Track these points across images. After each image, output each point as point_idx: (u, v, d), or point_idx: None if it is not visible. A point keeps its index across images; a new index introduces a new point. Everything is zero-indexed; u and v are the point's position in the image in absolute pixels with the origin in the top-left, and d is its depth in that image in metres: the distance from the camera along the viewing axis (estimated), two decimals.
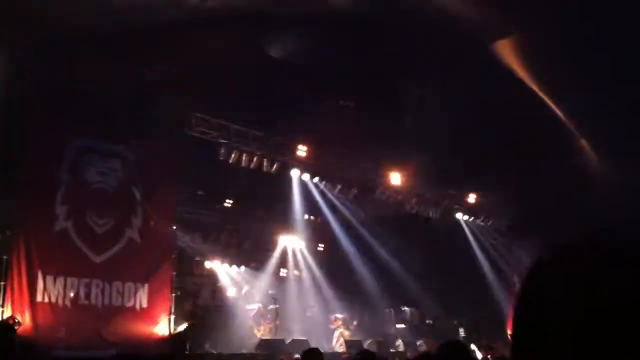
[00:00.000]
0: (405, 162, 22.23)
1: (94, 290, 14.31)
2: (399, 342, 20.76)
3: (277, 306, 19.58)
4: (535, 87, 21.09)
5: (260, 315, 19.38)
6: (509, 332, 24.10)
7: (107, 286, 14.58)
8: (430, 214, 24.27)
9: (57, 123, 14.57)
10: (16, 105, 13.47)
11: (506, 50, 18.87)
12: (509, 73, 19.23)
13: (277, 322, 19.40)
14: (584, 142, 24.75)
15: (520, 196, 24.49)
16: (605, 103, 19.21)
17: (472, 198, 24.88)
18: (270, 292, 20.74)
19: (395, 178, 22.23)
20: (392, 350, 19.40)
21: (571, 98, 20.57)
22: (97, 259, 14.58)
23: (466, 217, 25.35)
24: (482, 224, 25.87)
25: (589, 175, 23.61)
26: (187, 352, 14.90)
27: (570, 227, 23.37)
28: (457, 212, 25.04)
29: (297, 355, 13.07)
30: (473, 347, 20.64)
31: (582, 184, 22.86)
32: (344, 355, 13.52)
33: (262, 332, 19.04)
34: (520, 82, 19.64)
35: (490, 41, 18.44)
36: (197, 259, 20.88)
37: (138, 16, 13.94)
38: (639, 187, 19.84)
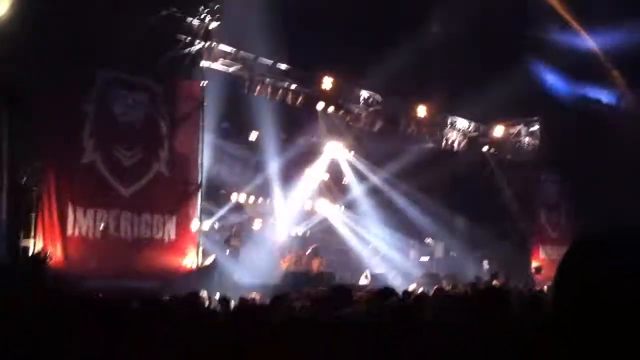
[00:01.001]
0: (430, 95, 21.99)
1: (123, 222, 14.52)
2: (422, 274, 20.95)
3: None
4: (563, 15, 20.61)
5: (285, 246, 19.65)
6: (533, 264, 24.26)
7: (135, 218, 14.78)
8: (456, 147, 24.11)
9: (80, 56, 14.52)
10: (40, 37, 13.43)
11: None
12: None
13: (307, 254, 19.71)
14: (614, 73, 24.27)
15: (546, 129, 24.23)
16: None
17: (498, 131, 24.63)
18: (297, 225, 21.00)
19: (421, 111, 22.03)
20: (414, 283, 19.61)
21: (604, 29, 20.10)
22: (126, 192, 14.76)
23: (492, 150, 25.11)
24: (508, 156, 25.66)
25: (617, 107, 23.23)
26: (215, 284, 15.16)
27: (597, 163, 23.17)
28: (482, 145, 24.82)
29: (321, 288, 13.25)
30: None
31: (609, 118, 22.52)
32: (367, 289, 13.68)
33: (287, 263, 19.31)
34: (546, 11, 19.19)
35: None
36: (222, 191, 21.07)
37: None
38: None
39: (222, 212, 20.50)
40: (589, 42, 22.73)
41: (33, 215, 13.34)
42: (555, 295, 1.19)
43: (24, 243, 13.13)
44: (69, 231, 13.62)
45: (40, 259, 12.50)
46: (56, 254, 13.12)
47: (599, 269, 1.11)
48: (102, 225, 14.11)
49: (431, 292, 13.05)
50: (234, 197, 21.40)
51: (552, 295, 1.20)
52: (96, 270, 13.49)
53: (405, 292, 12.93)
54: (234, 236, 18.34)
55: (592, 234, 1.21)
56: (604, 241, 1.18)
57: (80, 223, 13.78)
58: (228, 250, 17.92)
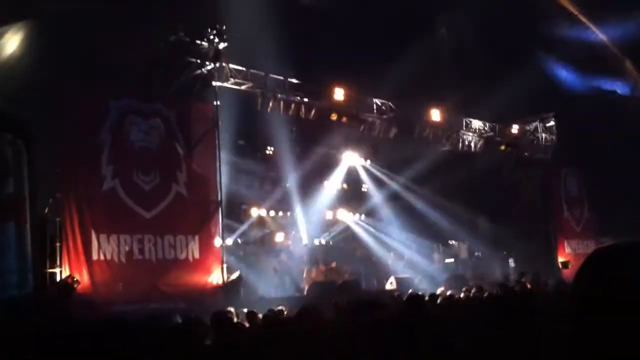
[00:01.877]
0: (443, 98, 22.01)
1: (147, 245, 14.67)
2: (448, 276, 20.87)
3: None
4: (575, 10, 20.58)
5: (312, 258, 19.68)
6: (560, 260, 24.09)
7: (159, 240, 14.93)
8: (473, 148, 24.07)
9: (94, 87, 14.82)
10: (52, 74, 13.70)
11: None
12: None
13: (332, 265, 19.74)
14: (628, 64, 24.15)
15: (562, 124, 24.13)
16: None
17: (514, 129, 24.55)
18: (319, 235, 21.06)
19: (435, 115, 22.04)
20: (441, 286, 19.54)
21: (614, 20, 20.04)
22: (147, 215, 14.92)
23: (510, 149, 25.02)
24: (526, 153, 25.56)
25: (633, 98, 23.09)
26: (241, 299, 15.23)
27: (616, 154, 23.02)
28: (500, 144, 24.74)
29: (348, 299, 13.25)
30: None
31: (626, 109, 22.38)
32: (395, 294, 13.68)
33: (314, 275, 19.34)
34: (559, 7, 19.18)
35: None
36: (243, 207, 21.19)
37: None
38: None
39: (244, 227, 20.60)
40: (599, 34, 22.66)
41: (58, 245, 13.53)
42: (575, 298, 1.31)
43: (50, 272, 13.30)
44: (94, 257, 13.79)
45: (67, 285, 12.67)
46: (83, 280, 13.30)
47: (618, 277, 1.23)
48: (127, 249, 14.25)
49: (459, 295, 13.05)
50: (255, 212, 21.50)
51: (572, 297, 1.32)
52: (123, 294, 13.64)
53: (433, 295, 12.94)
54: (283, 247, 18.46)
55: (612, 246, 1.33)
56: (622, 253, 1.30)
57: (105, 249, 13.95)
58: (277, 265, 18.04)
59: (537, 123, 25.50)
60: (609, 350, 1.20)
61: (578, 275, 1.33)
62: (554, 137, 25.72)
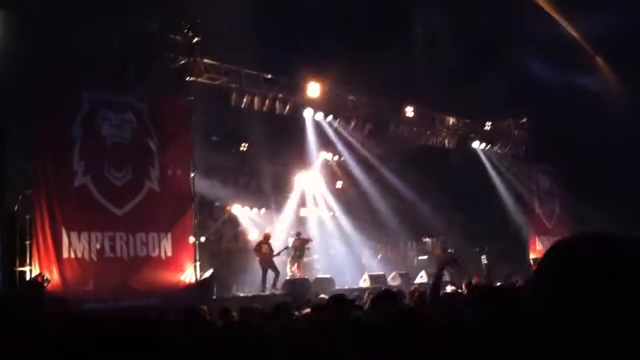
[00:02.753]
0: (418, 95, 22.06)
1: (118, 243, 14.49)
2: (422, 273, 20.94)
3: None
4: (548, 7, 20.73)
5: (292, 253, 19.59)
6: (531, 256, 24.30)
7: (131, 238, 14.76)
8: (446, 145, 24.17)
9: (66, 79, 14.56)
10: (23, 66, 13.46)
11: None
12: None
13: (305, 261, 19.68)
14: (599, 61, 24.39)
15: (535, 121, 24.33)
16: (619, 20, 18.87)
17: (488, 126, 24.71)
18: (291, 232, 20.94)
19: (409, 111, 22.09)
20: (415, 282, 19.60)
21: (585, 16, 20.22)
22: (119, 212, 14.73)
23: (482, 145, 25.18)
24: (499, 151, 25.75)
25: (604, 95, 23.35)
26: (214, 297, 15.13)
27: (587, 150, 23.27)
28: (473, 140, 24.88)
29: (322, 295, 13.23)
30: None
31: (597, 105, 22.61)
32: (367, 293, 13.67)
33: (295, 269, 19.27)
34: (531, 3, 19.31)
35: None
36: (217, 204, 21.06)
37: None
38: None
39: (217, 224, 20.47)
40: (571, 30, 22.85)
41: (27, 242, 13.30)
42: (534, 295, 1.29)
43: (20, 270, 13.07)
44: (65, 255, 13.57)
45: (37, 283, 12.47)
46: (53, 278, 13.07)
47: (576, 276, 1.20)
48: (98, 246, 14.06)
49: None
50: (229, 209, 21.37)
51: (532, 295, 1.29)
52: (94, 292, 13.47)
53: (402, 292, 12.95)
54: (264, 242, 18.12)
55: (569, 240, 1.29)
56: (583, 249, 1.26)
57: (75, 246, 13.74)
58: (258, 259, 17.76)
59: (510, 120, 25.70)
60: (571, 341, 1.18)
61: (539, 265, 1.30)
62: (526, 134, 25.93)
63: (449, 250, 24.60)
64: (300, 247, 19.47)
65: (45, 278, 12.74)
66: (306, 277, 18.29)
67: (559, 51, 22.69)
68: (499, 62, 21.40)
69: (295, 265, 19.23)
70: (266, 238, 18.17)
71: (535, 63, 22.11)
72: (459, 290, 11.78)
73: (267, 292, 16.90)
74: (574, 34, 22.30)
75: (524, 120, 25.86)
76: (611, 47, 22.14)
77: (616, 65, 23.83)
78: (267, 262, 17.61)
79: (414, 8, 21.62)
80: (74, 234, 13.78)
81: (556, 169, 26.77)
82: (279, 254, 18.04)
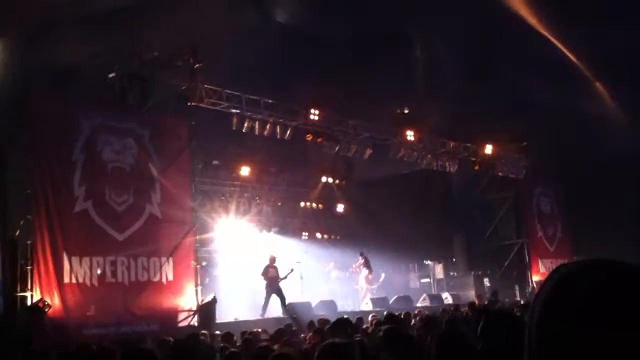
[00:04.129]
0: (418, 119, 22.16)
1: (119, 268, 14.45)
2: (424, 296, 20.88)
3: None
4: (546, 33, 20.87)
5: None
6: (534, 278, 24.22)
7: (132, 262, 14.72)
8: (447, 168, 24.20)
9: (66, 105, 14.62)
10: (23, 91, 13.55)
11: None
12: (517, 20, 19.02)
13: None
14: (599, 83, 24.49)
15: (535, 144, 24.39)
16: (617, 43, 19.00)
17: (488, 149, 24.75)
18: (293, 256, 20.88)
19: (410, 135, 22.16)
20: (418, 305, 19.54)
21: (583, 39, 20.35)
22: (120, 237, 14.70)
23: (484, 169, 25.19)
24: (500, 173, 25.77)
25: (603, 118, 23.43)
26: (216, 322, 15.06)
27: (588, 173, 23.30)
28: (473, 164, 24.91)
29: (325, 318, 13.17)
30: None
31: (598, 128, 22.68)
32: (370, 316, 13.58)
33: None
34: (529, 29, 19.45)
35: None
36: (219, 228, 21.02)
37: None
38: None
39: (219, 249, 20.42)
40: (570, 53, 22.98)
41: (29, 267, 13.26)
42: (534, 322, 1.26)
43: (21, 295, 13.03)
44: (66, 280, 13.51)
45: (38, 309, 12.42)
46: (54, 303, 13.01)
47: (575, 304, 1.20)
48: (99, 271, 14.02)
49: (436, 314, 13.02)
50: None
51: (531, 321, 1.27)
52: (95, 317, 13.41)
53: (408, 314, 12.92)
54: (270, 266, 18.00)
55: (570, 268, 1.28)
56: (582, 275, 1.25)
57: (76, 271, 13.69)
58: (265, 283, 17.63)
59: (509, 143, 25.75)
60: None
61: (539, 292, 1.29)
62: (527, 157, 25.98)
63: (452, 274, 24.57)
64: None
65: (46, 303, 12.69)
66: (308, 300, 18.21)
67: (558, 74, 22.83)
68: (500, 85, 21.52)
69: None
70: (272, 261, 18.09)
71: (535, 86, 22.21)
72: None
73: (267, 316, 16.78)
74: (573, 56, 22.43)
75: (524, 143, 25.93)
76: (610, 69, 22.26)
77: (615, 87, 23.94)
78: (274, 286, 17.51)
79: (414, 33, 21.79)
80: (75, 259, 13.73)
81: (557, 192, 26.80)
82: (285, 277, 17.94)
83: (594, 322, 1.16)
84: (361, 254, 21.13)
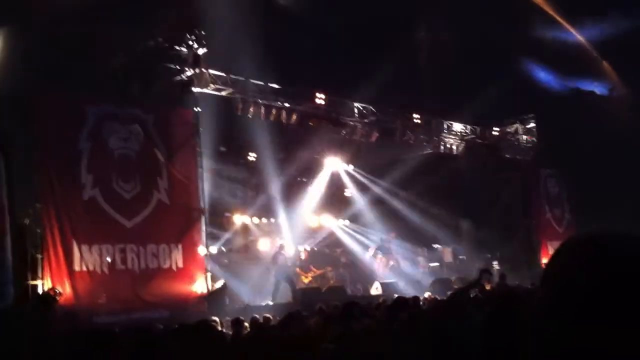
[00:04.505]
0: (423, 102, 22.06)
1: (129, 255, 14.48)
2: (432, 280, 20.86)
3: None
4: (554, 13, 20.73)
5: (306, 262, 19.54)
6: (543, 261, 24.18)
7: (141, 249, 14.75)
8: (454, 151, 24.11)
9: (70, 94, 14.63)
10: (27, 81, 13.55)
11: None
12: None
13: (318, 271, 19.64)
14: (605, 65, 24.34)
15: (542, 125, 24.28)
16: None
17: (495, 131, 24.65)
18: (301, 242, 20.93)
19: (416, 118, 22.09)
20: (427, 291, 19.53)
21: (590, 22, 20.20)
22: (129, 224, 14.73)
23: (491, 151, 25.09)
24: (507, 155, 25.67)
25: (611, 99, 23.30)
26: (226, 307, 15.11)
27: (595, 155, 23.20)
28: (480, 146, 24.81)
29: (335, 304, 13.18)
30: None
31: (604, 109, 22.57)
32: (379, 300, 13.57)
33: (309, 279, 19.24)
34: (537, 9, 19.31)
35: None
36: (226, 214, 21.04)
37: None
38: None
39: (227, 235, 20.45)
40: (577, 35, 22.83)
41: (39, 256, 13.32)
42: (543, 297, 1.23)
43: (32, 284, 13.10)
44: (76, 268, 13.57)
45: (49, 298, 12.48)
46: (65, 291, 13.09)
47: (588, 274, 1.15)
48: (109, 259, 14.07)
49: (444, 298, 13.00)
50: (238, 219, 21.36)
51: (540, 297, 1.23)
52: (106, 305, 13.48)
53: (417, 298, 12.91)
54: (279, 253, 18.03)
55: (580, 238, 1.24)
56: (596, 245, 1.21)
57: (87, 259, 13.75)
58: (275, 269, 17.67)
59: (517, 125, 25.64)
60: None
61: (545, 269, 1.25)
62: (534, 139, 25.87)
63: (460, 257, 24.54)
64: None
65: (57, 292, 12.76)
66: (317, 286, 18.26)
67: (565, 56, 22.69)
68: (506, 66, 21.39)
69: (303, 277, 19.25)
70: (281, 248, 18.11)
71: (543, 67, 22.08)
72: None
73: (277, 302, 16.83)
74: (580, 38, 22.28)
75: (532, 125, 25.79)
76: (617, 51, 22.11)
77: (622, 69, 23.78)
78: (283, 272, 17.55)
79: (419, 16, 21.66)
80: (85, 247, 13.78)
81: (565, 173, 26.67)
82: (294, 264, 17.97)
83: (583, 288, 1.14)
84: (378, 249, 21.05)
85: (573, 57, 23.08)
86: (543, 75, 23.98)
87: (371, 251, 21.56)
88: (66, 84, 14.40)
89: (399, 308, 8.35)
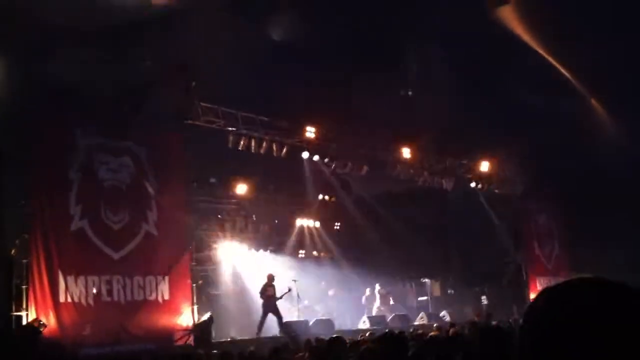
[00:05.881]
0: (414, 136, 22.18)
1: (115, 287, 14.38)
2: (422, 314, 20.81)
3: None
4: (543, 49, 20.96)
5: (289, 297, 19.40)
6: (531, 296, 24.14)
7: (128, 281, 14.65)
8: (444, 185, 24.21)
9: (62, 124, 14.62)
10: (18, 109, 13.55)
11: (511, 13, 18.72)
12: (515, 37, 19.10)
13: (300, 305, 19.48)
14: (592, 101, 24.57)
15: (533, 160, 24.38)
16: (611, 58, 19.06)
17: (484, 166, 24.77)
18: (289, 274, 20.78)
19: (406, 152, 22.20)
20: (415, 324, 19.47)
21: (577, 53, 20.43)
22: (116, 256, 14.65)
23: (480, 186, 25.19)
24: (496, 190, 25.77)
25: (598, 133, 23.45)
26: (212, 341, 14.98)
27: (586, 190, 23.30)
28: (470, 181, 24.92)
29: (322, 337, 13.10)
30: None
31: (592, 143, 22.70)
32: (365, 335, 13.50)
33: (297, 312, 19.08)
34: (527, 46, 19.54)
35: (492, 5, 18.33)
36: (215, 246, 20.93)
37: (133, 10, 13.95)
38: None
39: (215, 267, 20.32)
40: (564, 67, 23.01)
41: (24, 286, 13.20)
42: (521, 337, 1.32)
43: (16, 315, 12.95)
44: (61, 299, 13.45)
45: (33, 328, 12.34)
46: (49, 323, 12.95)
47: (558, 321, 1.25)
48: (95, 290, 13.95)
49: (432, 332, 12.93)
50: (227, 251, 21.23)
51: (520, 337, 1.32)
52: (91, 337, 13.33)
53: (402, 334, 12.81)
54: (268, 284, 17.85)
55: (557, 286, 1.33)
56: (568, 292, 1.31)
57: (72, 290, 13.63)
58: (262, 302, 17.49)
59: (507, 160, 25.76)
60: None
61: (526, 313, 1.34)
62: (524, 174, 25.97)
63: (449, 291, 24.49)
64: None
65: (41, 323, 12.61)
66: (305, 319, 18.13)
67: (555, 89, 22.85)
68: (495, 101, 21.56)
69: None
70: (270, 280, 17.98)
71: (532, 100, 22.23)
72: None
73: (264, 335, 16.66)
74: (570, 72, 22.49)
75: (522, 160, 25.92)
76: (605, 83, 22.34)
77: (611, 103, 23.99)
78: (271, 305, 17.40)
79: (410, 51, 21.85)
80: (70, 278, 13.68)
81: (555, 209, 26.76)
82: (281, 297, 17.81)
83: (577, 340, 1.20)
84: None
85: (564, 92, 23.23)
86: (534, 110, 24.12)
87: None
88: (59, 112, 14.37)
89: (387, 342, 8.30)
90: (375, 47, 18.91)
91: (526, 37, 19.57)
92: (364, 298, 21.86)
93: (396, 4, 17.15)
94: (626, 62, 19.88)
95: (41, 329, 12.49)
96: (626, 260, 21.13)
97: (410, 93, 21.39)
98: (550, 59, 21.11)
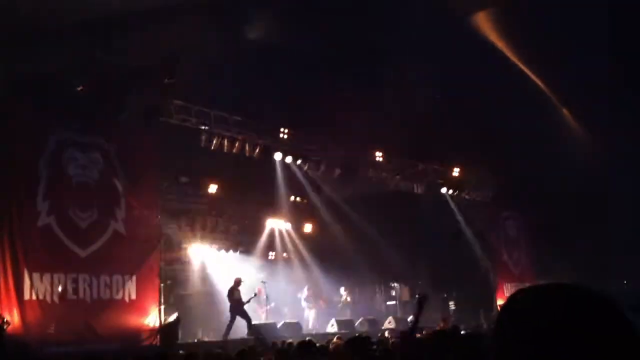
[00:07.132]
0: (387, 140, 22.23)
1: (81, 285, 14.15)
2: (390, 319, 20.85)
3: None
4: (514, 59, 21.16)
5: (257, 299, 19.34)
6: (498, 302, 24.35)
7: (94, 280, 14.42)
8: (415, 190, 24.31)
9: (32, 118, 14.35)
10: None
11: (484, 24, 18.87)
12: (486, 46, 19.25)
13: (268, 307, 19.41)
14: (564, 112, 24.86)
15: (502, 167, 24.59)
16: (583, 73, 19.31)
17: (455, 172, 24.92)
18: (259, 276, 20.71)
19: (378, 156, 22.26)
20: (383, 328, 19.51)
21: (551, 68, 20.66)
22: (83, 253, 14.42)
23: (451, 191, 25.35)
24: (466, 196, 25.94)
25: (568, 142, 23.74)
26: (178, 342, 14.85)
27: (554, 198, 23.58)
28: (441, 186, 25.06)
29: (289, 340, 13.08)
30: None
31: (565, 154, 22.99)
32: (335, 338, 13.49)
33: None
34: (498, 56, 19.70)
35: (468, 15, 18.46)
36: (184, 246, 20.79)
37: (109, 6, 13.81)
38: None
39: (184, 267, 20.19)
40: (538, 79, 23.26)
41: None
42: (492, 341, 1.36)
43: None
44: (26, 297, 13.20)
45: None
46: (14, 320, 12.70)
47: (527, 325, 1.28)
48: (60, 288, 13.73)
49: (397, 337, 12.97)
50: (196, 251, 21.10)
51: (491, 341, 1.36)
52: (56, 335, 13.12)
53: (369, 338, 12.83)
54: (235, 288, 17.70)
55: (526, 290, 1.37)
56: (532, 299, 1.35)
57: (37, 288, 13.39)
58: (230, 305, 17.35)
59: (477, 166, 25.94)
60: None
61: (496, 320, 1.37)
62: (494, 181, 26.17)
63: (417, 296, 24.56)
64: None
65: (5, 320, 12.38)
66: (273, 321, 18.07)
67: (527, 100, 23.10)
68: (467, 108, 21.71)
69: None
70: (237, 283, 17.87)
71: (505, 111, 22.43)
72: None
73: (231, 337, 16.56)
74: (540, 83, 22.73)
75: (492, 167, 26.13)
76: (577, 97, 22.64)
77: (583, 115, 24.30)
78: (238, 308, 17.29)
79: (385, 55, 21.90)
80: (36, 275, 13.44)
81: (523, 216, 27.02)
82: (248, 301, 17.70)
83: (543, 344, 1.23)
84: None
85: (536, 103, 23.48)
86: (506, 120, 24.33)
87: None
88: (31, 106, 14.12)
89: (355, 347, 8.30)
90: (350, 51, 18.92)
91: (500, 45, 19.74)
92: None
93: (370, 9, 17.17)
94: (594, 76, 20.19)
95: (5, 327, 12.27)
96: (590, 267, 21.44)
97: (384, 97, 21.38)
98: (523, 68, 21.32)
